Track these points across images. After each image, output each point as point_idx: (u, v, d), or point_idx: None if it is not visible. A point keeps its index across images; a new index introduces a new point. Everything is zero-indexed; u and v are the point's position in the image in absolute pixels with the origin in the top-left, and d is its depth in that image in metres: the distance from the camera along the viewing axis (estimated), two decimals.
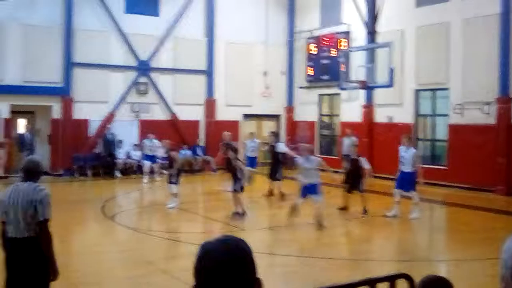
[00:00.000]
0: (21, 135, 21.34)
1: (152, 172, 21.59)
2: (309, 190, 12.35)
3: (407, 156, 13.74)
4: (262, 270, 1.98)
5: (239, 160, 13.50)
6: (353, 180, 14.22)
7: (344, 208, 14.43)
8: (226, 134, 18.93)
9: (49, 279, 5.61)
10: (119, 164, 22.56)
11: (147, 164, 21.43)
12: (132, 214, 15.76)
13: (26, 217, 5.49)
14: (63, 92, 22.10)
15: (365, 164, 14.18)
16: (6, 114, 21.12)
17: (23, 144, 20.85)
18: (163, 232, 12.59)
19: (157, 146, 21.60)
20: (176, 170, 15.34)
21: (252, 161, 18.91)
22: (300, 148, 13.15)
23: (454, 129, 19.57)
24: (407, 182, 13.71)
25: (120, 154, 22.77)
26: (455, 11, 19.55)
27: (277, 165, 17.22)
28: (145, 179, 21.02)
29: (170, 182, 15.37)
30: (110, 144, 22.45)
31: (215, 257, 1.91)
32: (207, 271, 1.90)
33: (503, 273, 1.87)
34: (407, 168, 13.73)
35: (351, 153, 15.10)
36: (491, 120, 18.36)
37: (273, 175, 17.12)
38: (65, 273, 6.08)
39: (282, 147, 17.58)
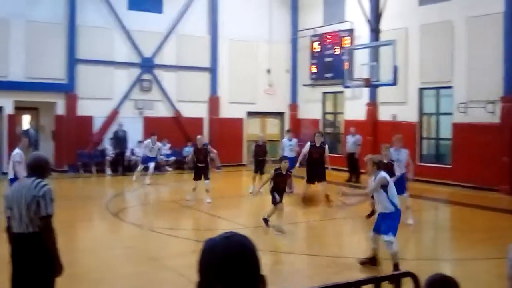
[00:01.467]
0: (25, 131, 21.40)
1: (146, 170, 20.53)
2: (380, 223, 9.32)
3: (402, 157, 13.00)
4: (267, 268, 1.97)
5: None
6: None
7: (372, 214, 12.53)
8: (260, 136, 18.61)
9: (53, 275, 5.62)
10: (131, 162, 22.47)
11: (151, 165, 19.84)
12: (137, 211, 15.82)
13: (29, 212, 5.50)
14: (67, 89, 22.11)
15: (396, 169, 12.42)
16: (10, 110, 21.16)
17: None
18: (167, 229, 12.56)
19: (158, 148, 20.35)
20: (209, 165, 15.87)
21: (290, 162, 17.32)
22: (366, 162, 9.47)
23: (458, 128, 19.50)
24: (400, 183, 12.21)
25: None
26: (459, 9, 19.47)
27: (323, 167, 15.74)
28: (147, 179, 19.53)
29: (207, 178, 15.67)
30: (122, 141, 22.41)
31: (219, 253, 1.91)
32: (210, 267, 1.91)
33: (510, 272, 1.87)
34: (401, 170, 12.76)
35: (384, 157, 12.53)
36: (496, 119, 18.26)
37: (320, 178, 15.68)
38: (70, 269, 6.08)
39: (327, 152, 16.00)
